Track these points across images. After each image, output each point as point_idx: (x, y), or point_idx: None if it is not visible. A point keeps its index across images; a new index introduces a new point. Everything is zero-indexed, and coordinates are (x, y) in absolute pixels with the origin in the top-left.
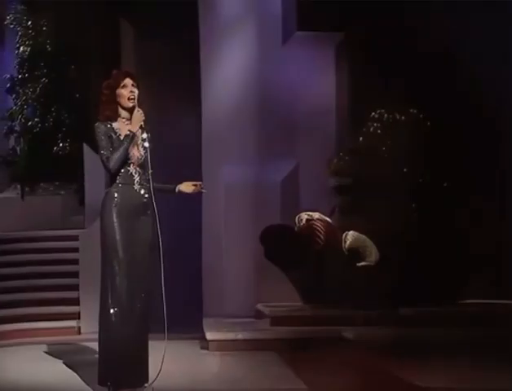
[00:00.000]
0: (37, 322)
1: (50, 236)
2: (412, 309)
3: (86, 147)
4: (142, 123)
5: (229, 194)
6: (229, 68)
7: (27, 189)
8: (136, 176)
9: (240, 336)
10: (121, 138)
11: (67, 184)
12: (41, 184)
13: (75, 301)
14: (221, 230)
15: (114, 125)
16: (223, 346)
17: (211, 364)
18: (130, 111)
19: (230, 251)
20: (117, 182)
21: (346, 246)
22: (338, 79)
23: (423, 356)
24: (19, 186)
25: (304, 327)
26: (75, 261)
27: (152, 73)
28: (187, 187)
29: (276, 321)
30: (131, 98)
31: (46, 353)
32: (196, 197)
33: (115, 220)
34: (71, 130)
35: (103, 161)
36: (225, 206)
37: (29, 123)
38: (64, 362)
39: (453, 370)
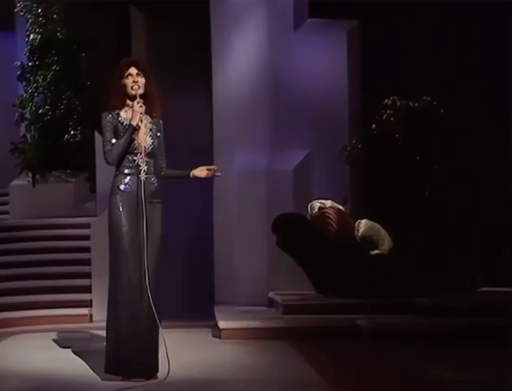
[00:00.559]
0: (48, 309)
1: (63, 224)
2: (427, 298)
3: (97, 135)
4: (141, 115)
5: (241, 181)
6: (240, 55)
7: (38, 177)
8: (143, 165)
9: (252, 324)
10: (126, 126)
11: (78, 172)
12: (53, 172)
13: (87, 289)
14: (233, 218)
15: (121, 114)
16: (236, 334)
17: (223, 353)
18: (133, 99)
19: (242, 239)
20: (123, 171)
21: (359, 234)
22: (350, 66)
23: (438, 346)
24: (30, 174)
25: (317, 316)
26: (87, 249)
27: (163, 60)
28: (200, 172)
29: (289, 309)
30: (134, 88)
31: (55, 340)
32: (207, 184)
33: (120, 210)
34: (82, 118)
35: (103, 151)
36: (237, 194)
37: (40, 111)
38: (73, 350)
39: (471, 360)
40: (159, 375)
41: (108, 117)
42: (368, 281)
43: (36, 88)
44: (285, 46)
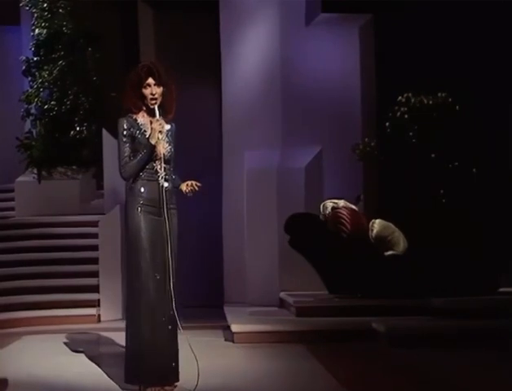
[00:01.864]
0: (55, 309)
1: (70, 222)
2: (444, 299)
3: (104, 132)
4: (159, 134)
5: (251, 179)
6: (251, 50)
7: (44, 173)
8: (161, 172)
9: (266, 327)
10: (146, 134)
11: (84, 168)
12: (58, 168)
13: (95, 288)
14: (243, 217)
15: (139, 120)
16: (249, 338)
17: (238, 358)
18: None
19: (252, 238)
20: (142, 177)
21: (373, 234)
22: (364, 62)
23: (458, 350)
24: (35, 170)
25: (331, 318)
26: (94, 247)
27: (171, 55)
28: (182, 186)
29: (302, 311)
30: (152, 103)
31: (66, 344)
32: (216, 184)
33: (141, 218)
34: (88, 114)
35: (119, 165)
36: (247, 192)
37: (46, 106)
38: (86, 355)
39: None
40: (178, 383)
41: (124, 124)
42: (383, 282)
43: (42, 83)
44: (297, 42)
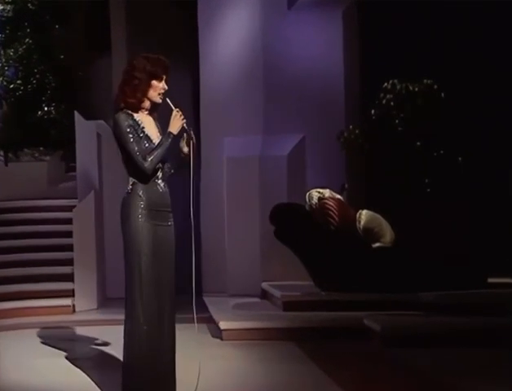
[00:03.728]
0: (28, 300)
1: (41, 206)
2: (434, 293)
3: (76, 114)
4: (184, 126)
5: (231, 167)
6: (230, 34)
7: (10, 155)
8: (159, 171)
9: (256, 324)
10: (145, 131)
11: (52, 150)
12: (25, 150)
13: (69, 277)
14: (222, 206)
15: (136, 116)
16: (238, 335)
17: (230, 358)
18: (155, 105)
19: (233, 228)
20: (143, 180)
21: (361, 226)
22: (347, 46)
23: (453, 348)
24: (2, 152)
25: (321, 313)
26: (67, 234)
27: (144, 35)
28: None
29: (289, 306)
30: (161, 98)
31: (47, 343)
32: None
33: (142, 223)
34: (56, 94)
35: (134, 161)
36: (227, 180)
37: (11, 85)
38: (63, 357)
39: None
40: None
41: (126, 121)
42: (372, 276)
43: (7, 62)
44: (279, 25)
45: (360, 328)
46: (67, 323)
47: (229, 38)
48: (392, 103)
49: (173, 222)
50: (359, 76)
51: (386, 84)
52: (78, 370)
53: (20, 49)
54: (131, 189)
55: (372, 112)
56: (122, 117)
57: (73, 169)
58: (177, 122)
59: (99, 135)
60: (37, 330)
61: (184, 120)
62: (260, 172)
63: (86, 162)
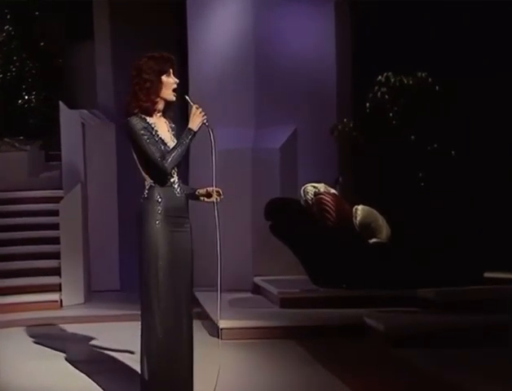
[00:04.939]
0: (15, 295)
1: (22, 198)
2: (433, 290)
3: (61, 104)
4: (204, 122)
5: (223, 161)
6: (221, 25)
7: None
8: (175, 176)
9: (256, 323)
10: (159, 134)
11: (32, 139)
12: (5, 139)
13: (56, 271)
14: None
15: (149, 119)
16: (238, 334)
17: (233, 360)
18: (168, 103)
19: (224, 222)
20: (160, 183)
21: (358, 221)
22: (339, 38)
23: (455, 347)
24: None
25: (319, 310)
26: (53, 226)
27: (129, 25)
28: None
29: (287, 302)
30: (174, 95)
31: (40, 342)
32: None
33: (160, 229)
34: (36, 82)
35: (152, 161)
36: (218, 174)
37: None
38: (67, 359)
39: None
40: None
41: (140, 124)
42: (369, 272)
43: None
44: (270, 17)
45: (360, 326)
46: (56, 320)
47: (219, 29)
48: (387, 97)
49: (189, 228)
50: (351, 68)
51: (380, 77)
52: (73, 372)
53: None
54: (147, 193)
55: (367, 105)
56: (135, 120)
57: (53, 157)
58: (197, 118)
59: (83, 125)
60: (25, 328)
61: (205, 117)
62: (252, 164)
63: (71, 152)
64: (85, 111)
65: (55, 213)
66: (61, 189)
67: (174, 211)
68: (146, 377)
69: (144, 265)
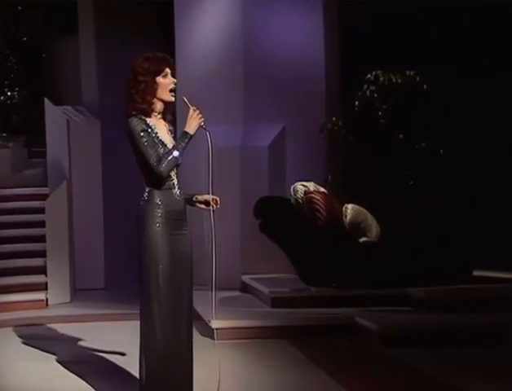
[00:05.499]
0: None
1: (6, 195)
2: (424, 289)
3: (46, 101)
4: (202, 125)
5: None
6: (209, 22)
7: None
8: (174, 178)
9: (249, 323)
10: (159, 136)
11: (15, 136)
12: None
13: (41, 270)
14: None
15: (148, 120)
16: (231, 334)
17: (229, 361)
18: (166, 104)
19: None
20: (159, 186)
21: (348, 221)
22: (328, 36)
23: (447, 347)
24: None
25: (311, 310)
26: (39, 224)
27: (115, 23)
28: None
29: (278, 302)
30: (172, 95)
31: (28, 343)
32: None
33: (160, 232)
34: (19, 78)
35: (148, 164)
36: (205, 172)
37: None
38: (58, 360)
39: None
40: None
41: (141, 126)
42: (360, 271)
43: None
44: (258, 14)
45: (352, 326)
46: (43, 320)
47: (207, 27)
48: (376, 95)
49: (188, 230)
50: (339, 65)
51: (369, 75)
52: (62, 373)
53: None
54: (147, 196)
55: (356, 103)
56: (135, 122)
57: (36, 154)
58: (194, 121)
59: (67, 122)
60: (12, 328)
61: (202, 120)
62: (241, 163)
63: (56, 149)
64: (69, 107)
65: (40, 210)
66: (45, 186)
67: (174, 214)
68: (145, 379)
69: (145, 268)
